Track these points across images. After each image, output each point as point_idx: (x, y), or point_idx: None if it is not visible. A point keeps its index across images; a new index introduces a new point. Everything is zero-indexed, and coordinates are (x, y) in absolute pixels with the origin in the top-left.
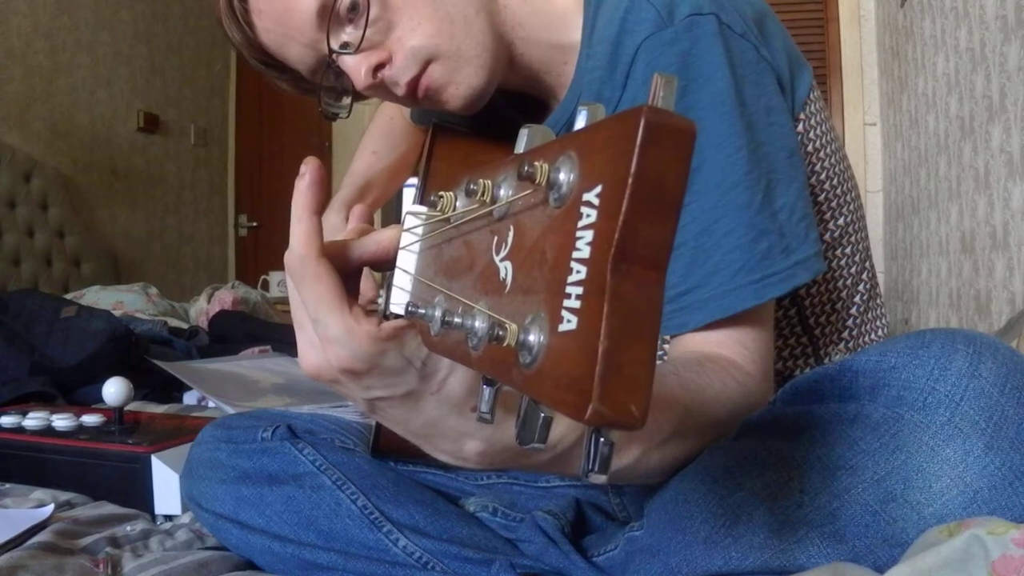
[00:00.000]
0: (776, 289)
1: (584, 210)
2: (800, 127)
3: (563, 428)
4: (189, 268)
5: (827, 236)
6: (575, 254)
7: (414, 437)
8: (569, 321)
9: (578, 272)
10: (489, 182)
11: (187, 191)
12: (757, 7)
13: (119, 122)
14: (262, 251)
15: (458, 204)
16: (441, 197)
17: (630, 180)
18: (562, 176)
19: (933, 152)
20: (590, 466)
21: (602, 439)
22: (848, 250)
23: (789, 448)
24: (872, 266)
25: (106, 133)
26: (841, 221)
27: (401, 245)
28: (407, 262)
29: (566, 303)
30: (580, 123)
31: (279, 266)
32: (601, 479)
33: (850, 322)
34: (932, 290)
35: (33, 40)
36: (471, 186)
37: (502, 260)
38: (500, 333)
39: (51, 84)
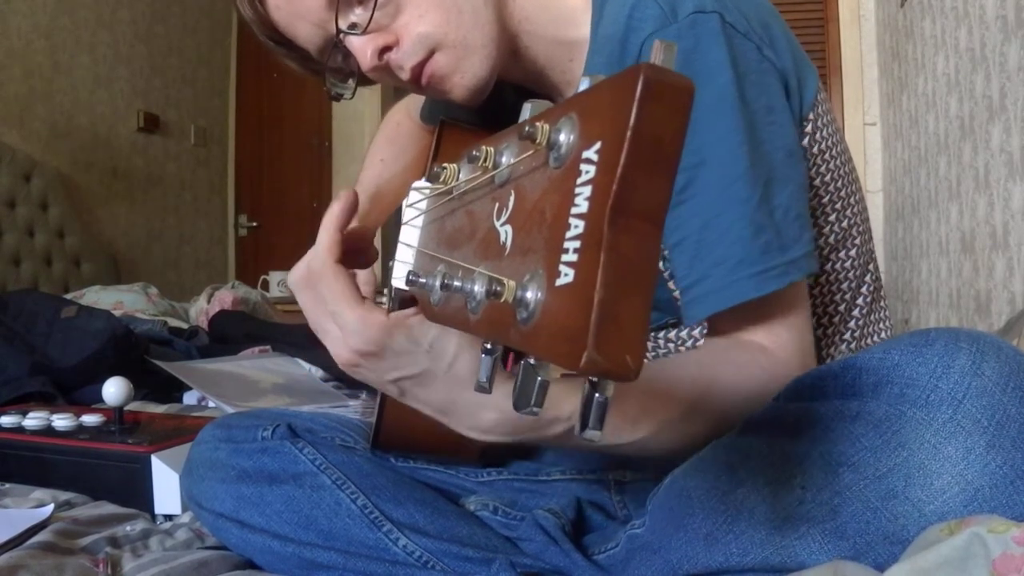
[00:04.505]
0: (775, 283)
1: (583, 167)
2: (809, 127)
3: (576, 400)
4: (189, 268)
5: (831, 238)
6: (573, 210)
7: (439, 414)
8: (566, 275)
9: (576, 227)
10: (491, 149)
11: (187, 191)
12: (762, 9)
13: (119, 122)
14: (262, 251)
15: (461, 174)
16: (445, 168)
17: (628, 134)
18: (562, 137)
19: (933, 152)
20: (586, 423)
21: (597, 394)
22: (853, 252)
23: (791, 445)
24: (876, 268)
25: (106, 133)
26: (845, 223)
27: (404, 220)
28: (410, 237)
29: (564, 258)
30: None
31: (279, 266)
32: (596, 436)
33: (853, 323)
34: (932, 290)
35: (33, 40)
36: (474, 152)
37: (503, 225)
38: (498, 289)
39: (51, 84)
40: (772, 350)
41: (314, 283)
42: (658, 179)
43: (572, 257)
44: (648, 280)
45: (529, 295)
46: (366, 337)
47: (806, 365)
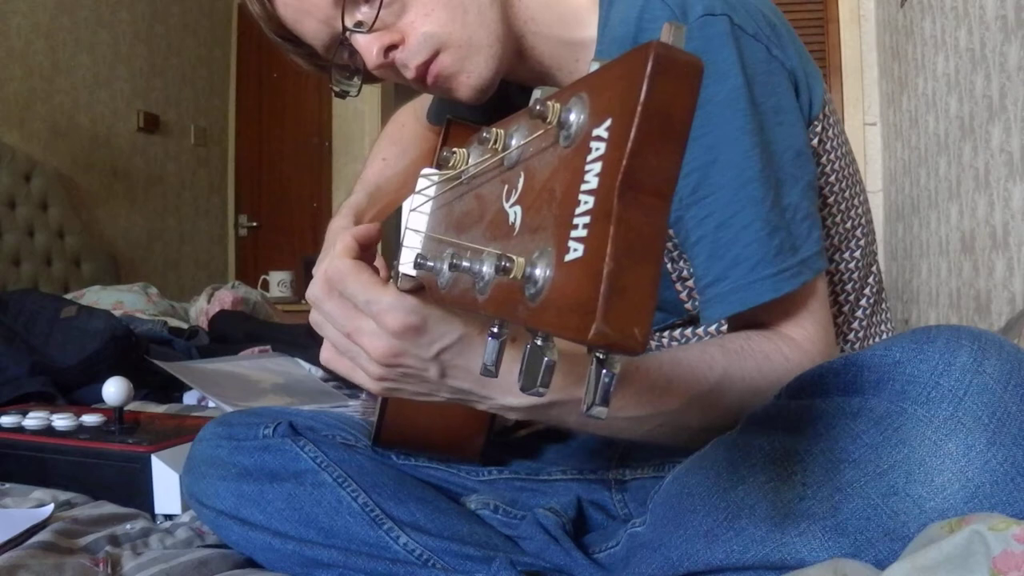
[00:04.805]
0: (789, 284)
1: (593, 144)
2: (819, 127)
3: None
4: (189, 268)
5: (835, 239)
6: (583, 187)
7: (479, 386)
8: (575, 250)
9: (586, 203)
10: (502, 131)
11: (187, 191)
12: (768, 10)
13: (119, 122)
14: (262, 251)
15: (470, 159)
16: (454, 153)
17: (639, 109)
18: (573, 116)
19: (933, 152)
20: (593, 399)
21: (604, 371)
22: (857, 253)
23: (792, 441)
24: (879, 270)
25: (106, 133)
26: (849, 224)
27: (412, 207)
28: (418, 223)
29: (573, 233)
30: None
31: (279, 266)
32: (602, 413)
33: (856, 324)
34: (932, 290)
35: (33, 40)
36: (484, 135)
37: (512, 206)
38: (507, 265)
39: (51, 84)
40: (798, 340)
41: (338, 285)
42: (667, 154)
43: (582, 232)
44: (656, 253)
45: (538, 272)
46: (407, 309)
47: (829, 356)
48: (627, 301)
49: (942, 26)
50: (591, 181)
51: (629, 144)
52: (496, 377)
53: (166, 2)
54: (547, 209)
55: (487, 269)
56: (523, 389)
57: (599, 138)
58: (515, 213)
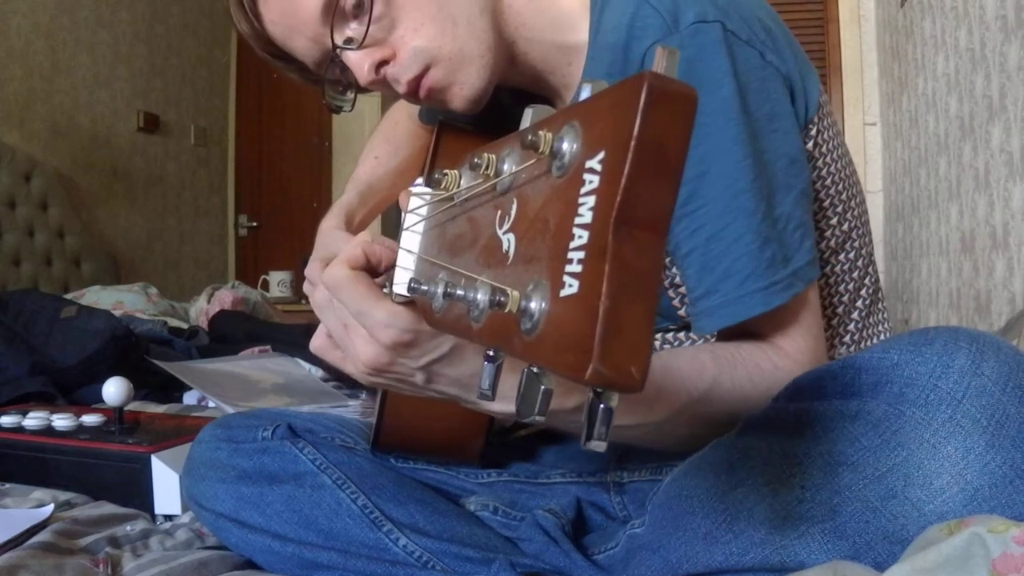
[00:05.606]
0: (779, 297)
1: (587, 177)
2: (813, 131)
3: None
4: (189, 268)
5: (832, 241)
6: (577, 220)
7: (463, 391)
8: (570, 286)
9: (580, 238)
10: (493, 156)
11: (187, 191)
12: (763, 13)
13: (119, 122)
14: (262, 251)
15: (462, 181)
16: (446, 175)
17: (632, 143)
18: (565, 146)
19: (933, 152)
20: (591, 433)
21: (602, 405)
22: (852, 255)
23: (791, 444)
24: (875, 271)
25: (106, 133)
26: (845, 226)
27: (405, 226)
28: (411, 242)
29: (568, 268)
30: (584, 97)
31: (279, 266)
32: (601, 447)
33: (852, 327)
34: (932, 290)
35: (33, 40)
36: (475, 160)
37: (505, 233)
38: (501, 299)
39: (51, 84)
40: (788, 351)
41: (333, 292)
42: (662, 188)
43: (576, 268)
44: (652, 290)
45: (533, 305)
46: (400, 327)
47: (815, 362)
48: (623, 340)
49: (942, 26)
50: (585, 215)
51: (623, 179)
52: (493, 401)
53: (166, 2)
54: (541, 240)
55: (481, 298)
56: (520, 416)
57: (592, 170)
58: (508, 241)
